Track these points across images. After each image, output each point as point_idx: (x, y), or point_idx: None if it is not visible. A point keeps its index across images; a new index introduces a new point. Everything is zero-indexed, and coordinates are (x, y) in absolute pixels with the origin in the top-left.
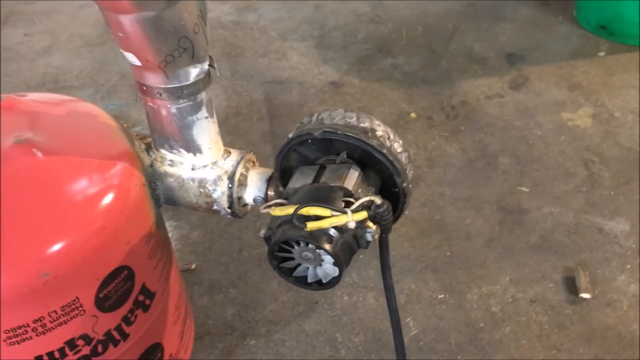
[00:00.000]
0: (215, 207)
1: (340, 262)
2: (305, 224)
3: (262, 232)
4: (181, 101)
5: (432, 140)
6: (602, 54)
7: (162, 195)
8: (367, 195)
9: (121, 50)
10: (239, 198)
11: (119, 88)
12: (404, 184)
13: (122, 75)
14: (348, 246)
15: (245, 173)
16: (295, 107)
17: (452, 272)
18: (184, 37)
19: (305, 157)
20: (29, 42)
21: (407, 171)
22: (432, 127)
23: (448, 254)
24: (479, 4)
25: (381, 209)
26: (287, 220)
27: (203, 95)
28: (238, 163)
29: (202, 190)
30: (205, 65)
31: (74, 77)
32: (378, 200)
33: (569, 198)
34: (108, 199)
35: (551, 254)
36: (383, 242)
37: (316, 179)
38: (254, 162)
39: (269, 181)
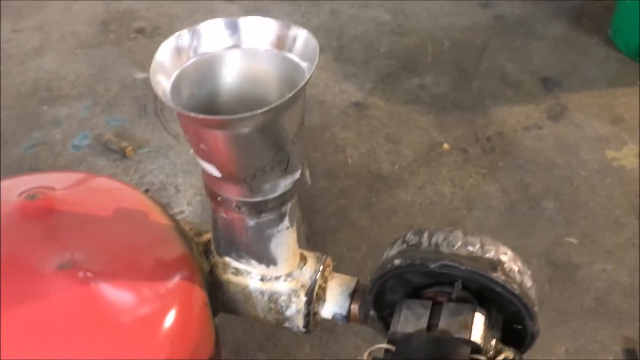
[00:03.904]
0: (286, 324)
1: None
2: None
3: None
4: (263, 215)
5: (469, 178)
6: None
7: (222, 307)
8: (495, 346)
9: (196, 158)
10: (315, 313)
11: (120, 100)
12: (536, 327)
13: (123, 85)
14: None
15: (324, 285)
16: (317, 132)
17: None
18: (281, 150)
19: (407, 281)
20: (18, 40)
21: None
22: (467, 161)
23: None
24: (508, 17)
25: None
26: None
27: (288, 207)
28: (317, 274)
29: (272, 305)
30: (297, 175)
31: (69, 84)
32: (510, 354)
33: (621, 253)
34: (168, 327)
35: (608, 319)
36: None
37: (431, 322)
38: (330, 268)
39: (353, 295)
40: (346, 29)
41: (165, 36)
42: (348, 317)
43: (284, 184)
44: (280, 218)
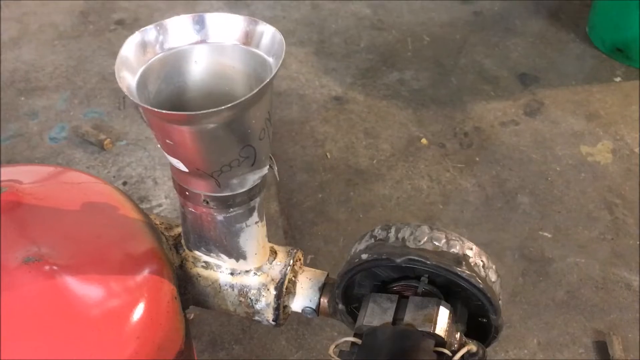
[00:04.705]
0: (257, 317)
1: None
2: None
3: None
4: (231, 210)
5: (446, 172)
6: (618, 79)
7: (192, 300)
8: (459, 339)
9: (163, 152)
10: (285, 307)
11: (98, 92)
12: (499, 321)
13: (102, 77)
14: None
15: (294, 279)
16: (296, 126)
17: None
18: (247, 146)
19: (375, 275)
20: None
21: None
22: (445, 156)
23: None
24: (486, 13)
25: (478, 357)
26: None
27: (257, 201)
28: (287, 268)
29: (242, 299)
30: (265, 170)
31: (47, 75)
32: (474, 347)
33: (594, 247)
34: (136, 321)
35: (579, 312)
36: None
37: (397, 315)
38: (301, 261)
39: (322, 289)
40: (327, 23)
41: None
42: (318, 310)
43: (252, 179)
44: (250, 213)
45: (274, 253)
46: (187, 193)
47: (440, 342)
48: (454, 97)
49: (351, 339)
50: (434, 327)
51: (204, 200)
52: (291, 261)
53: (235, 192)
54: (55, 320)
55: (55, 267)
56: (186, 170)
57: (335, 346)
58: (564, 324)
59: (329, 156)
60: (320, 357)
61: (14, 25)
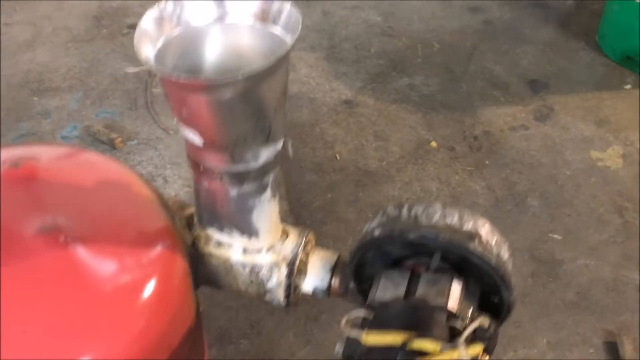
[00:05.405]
0: (267, 297)
1: None
2: None
3: (338, 347)
4: (245, 185)
5: (456, 175)
6: (628, 86)
7: (203, 279)
8: (471, 315)
9: (179, 124)
10: (296, 287)
11: (111, 93)
12: (512, 298)
13: (114, 78)
14: None
15: (305, 259)
16: (306, 128)
17: None
18: (262, 119)
19: (386, 253)
20: (9, 33)
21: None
22: (454, 159)
23: None
24: (497, 22)
25: (489, 333)
26: (384, 351)
27: (270, 177)
28: (299, 247)
29: (254, 278)
30: (279, 146)
31: (61, 77)
32: (486, 322)
33: (604, 249)
34: (148, 294)
35: (589, 313)
36: None
37: (409, 291)
38: (312, 243)
39: (334, 269)
40: (337, 30)
41: None
42: (329, 290)
43: (266, 153)
44: (263, 189)
45: (285, 233)
46: (201, 168)
47: (452, 315)
48: (464, 102)
49: (363, 312)
50: (447, 301)
51: (218, 175)
52: (303, 241)
53: (249, 167)
54: (67, 290)
55: (70, 239)
56: (201, 143)
57: (347, 320)
58: (574, 324)
59: (338, 157)
60: (328, 353)
61: (28, 28)
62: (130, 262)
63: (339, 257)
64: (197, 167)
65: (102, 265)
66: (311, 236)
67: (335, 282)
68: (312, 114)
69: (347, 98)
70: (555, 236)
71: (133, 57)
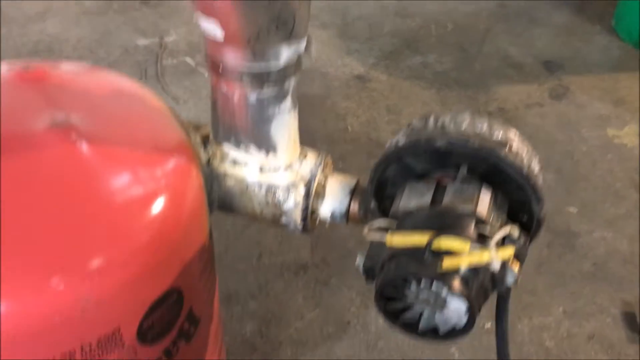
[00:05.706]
0: (283, 220)
1: (474, 311)
2: (438, 261)
3: (359, 260)
4: (265, 89)
5: None
6: None
7: (217, 201)
8: (501, 224)
9: (197, 16)
10: (313, 212)
11: (121, 63)
12: (542, 213)
13: (125, 50)
14: (484, 291)
15: (323, 181)
16: (317, 100)
17: None
18: (287, 7)
19: (410, 168)
20: (21, 5)
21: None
22: None
23: None
24: (510, 5)
25: (520, 244)
26: (409, 252)
27: (292, 83)
28: (318, 168)
29: (270, 199)
30: (302, 46)
31: (71, 47)
32: (516, 231)
33: (621, 223)
34: (161, 204)
35: (607, 284)
36: (502, 304)
37: (435, 200)
38: (330, 167)
39: (353, 192)
40: (350, 9)
41: (170, 7)
42: (347, 215)
43: (288, 52)
44: (283, 96)
45: (304, 154)
46: (220, 70)
47: (481, 222)
48: (478, 80)
49: (386, 222)
50: (475, 208)
51: (238, 75)
52: (322, 162)
53: (270, 67)
54: (76, 188)
55: (82, 136)
56: (222, 36)
57: (369, 228)
58: (590, 294)
59: (350, 129)
60: (337, 317)
61: (40, 2)
62: (142, 168)
63: (358, 181)
64: (216, 68)
65: (113, 167)
66: (329, 160)
67: (355, 205)
68: (324, 87)
69: (360, 73)
70: (571, 209)
71: (145, 31)
